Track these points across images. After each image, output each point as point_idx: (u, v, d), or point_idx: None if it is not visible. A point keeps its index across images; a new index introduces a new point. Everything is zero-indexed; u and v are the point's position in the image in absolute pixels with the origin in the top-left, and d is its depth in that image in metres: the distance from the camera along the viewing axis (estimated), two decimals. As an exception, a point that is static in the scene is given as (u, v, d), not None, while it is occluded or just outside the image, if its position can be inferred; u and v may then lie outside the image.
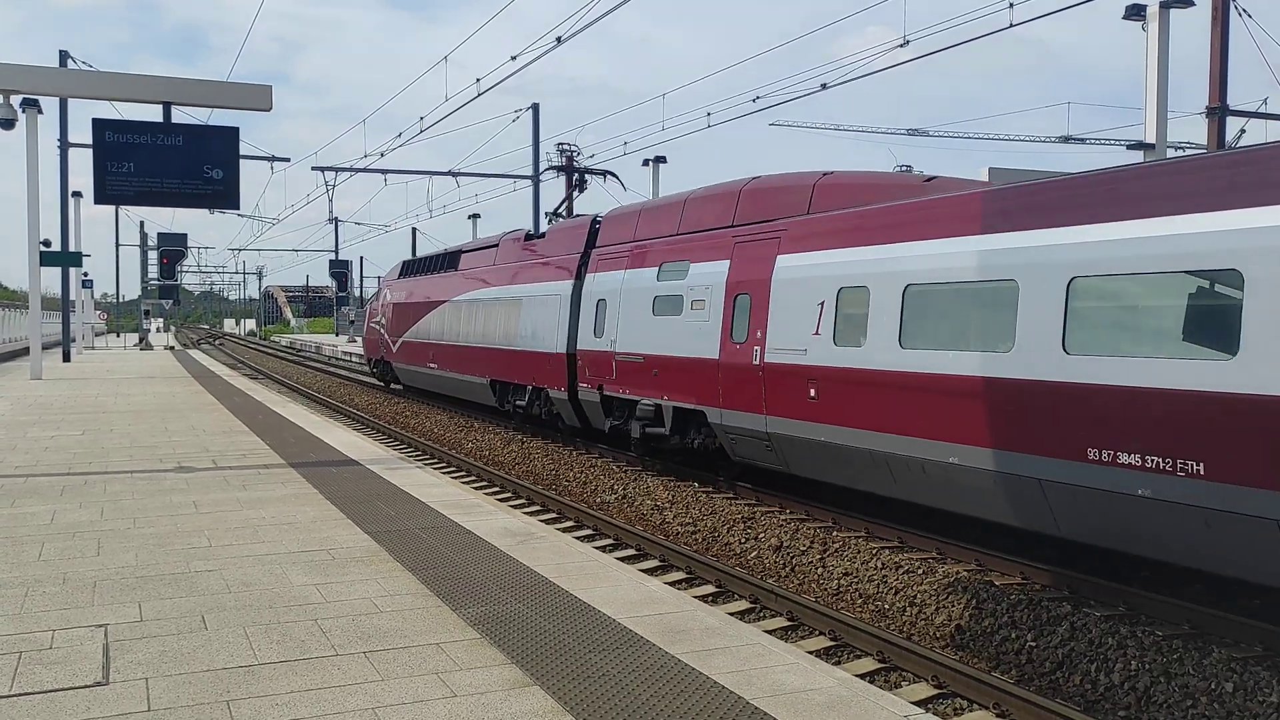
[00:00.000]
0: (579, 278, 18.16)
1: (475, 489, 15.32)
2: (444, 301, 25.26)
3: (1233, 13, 17.95)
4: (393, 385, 32.61)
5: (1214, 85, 18.33)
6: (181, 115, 12.71)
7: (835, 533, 11.56)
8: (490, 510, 9.24)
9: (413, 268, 29.80)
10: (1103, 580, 8.97)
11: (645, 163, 29.45)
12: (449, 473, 17.48)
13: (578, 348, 17.56)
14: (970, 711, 7.10)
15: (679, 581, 10.55)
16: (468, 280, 24.14)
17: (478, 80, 21.32)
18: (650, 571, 10.79)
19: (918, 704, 7.08)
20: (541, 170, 38.13)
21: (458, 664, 5.11)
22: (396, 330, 29.25)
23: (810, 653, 8.14)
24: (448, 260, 26.31)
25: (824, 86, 17.71)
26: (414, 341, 27.53)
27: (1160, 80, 15.05)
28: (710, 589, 10.25)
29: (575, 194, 25.11)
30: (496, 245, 23.16)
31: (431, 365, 25.82)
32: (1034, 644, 8.25)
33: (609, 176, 24.98)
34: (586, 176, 25.00)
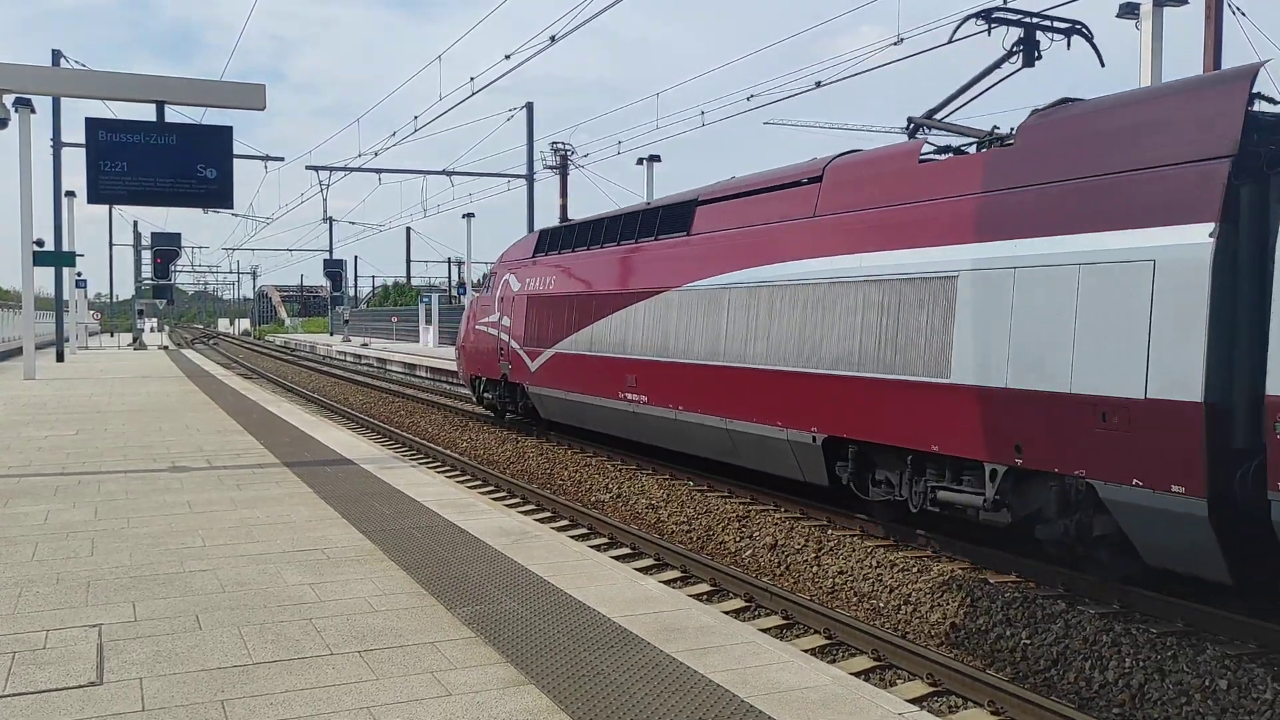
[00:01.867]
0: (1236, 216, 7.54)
1: (470, 488, 15.31)
2: (663, 290, 14.67)
3: (1226, 11, 17.99)
4: (515, 417, 21.65)
5: (1207, 84, 18.35)
6: (175, 115, 12.69)
7: (830, 531, 11.57)
8: (485, 509, 9.24)
9: (573, 238, 18.69)
10: (1096, 580, 8.97)
11: (639, 161, 29.45)
12: (443, 472, 17.46)
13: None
14: (965, 709, 7.11)
15: (674, 580, 10.55)
16: (731, 246, 13.40)
17: (471, 79, 21.34)
18: (645, 570, 10.79)
19: (912, 701, 7.08)
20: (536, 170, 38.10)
21: (453, 663, 5.11)
22: (538, 337, 18.83)
23: (805, 651, 8.14)
24: (663, 219, 15.38)
25: (818, 84, 17.73)
26: (584, 357, 17.04)
27: (1154, 78, 15.06)
28: (706, 587, 10.25)
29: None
30: (819, 176, 12.15)
31: (629, 397, 15.39)
32: (1028, 642, 8.27)
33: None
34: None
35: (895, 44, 15.25)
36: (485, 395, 22.54)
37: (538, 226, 34.09)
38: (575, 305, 17.45)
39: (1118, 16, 15.18)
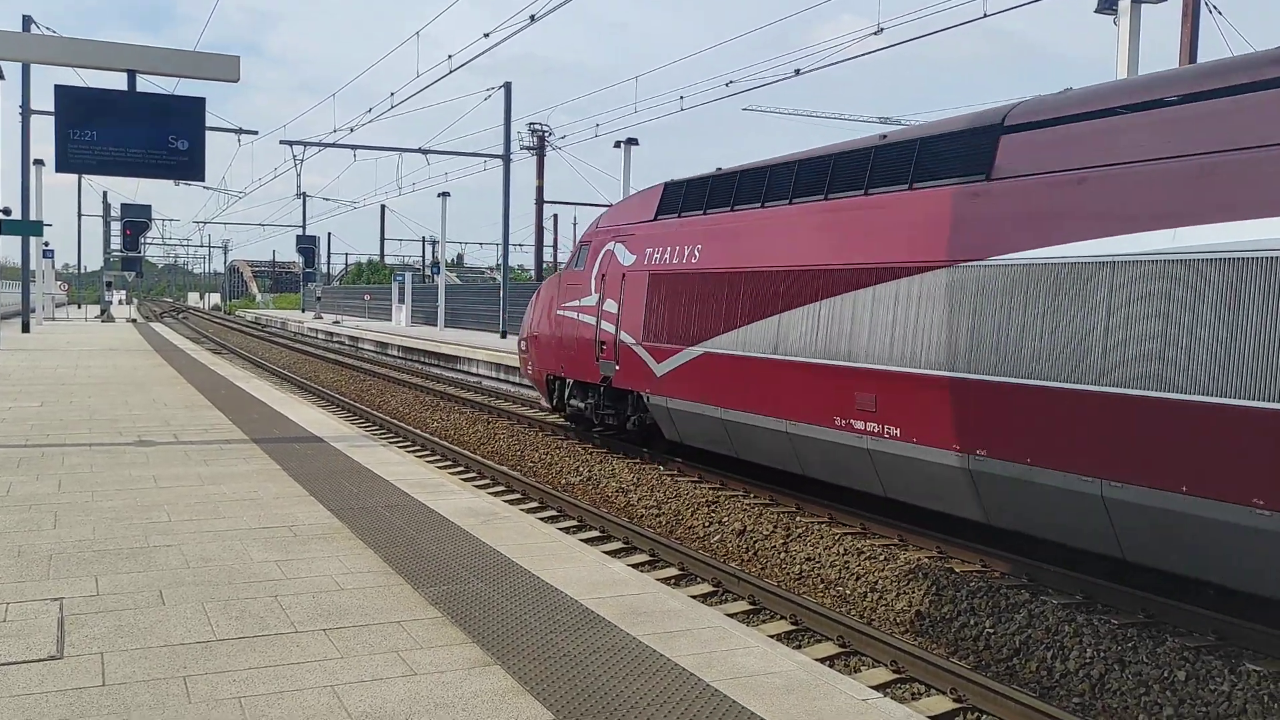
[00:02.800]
0: None
1: (440, 468, 15.26)
2: (939, 265, 9.55)
3: (1204, 10, 18.13)
4: (615, 433, 16.45)
5: (1182, 82, 18.51)
6: (147, 85, 12.51)
7: (798, 518, 11.62)
8: (454, 489, 9.21)
9: (729, 190, 13.21)
10: (1061, 569, 9.08)
11: (617, 144, 29.34)
12: (413, 451, 17.39)
13: None
14: (928, 696, 7.17)
15: (642, 564, 10.57)
16: (1112, 193, 8.12)
17: (449, 57, 21.15)
18: (614, 554, 10.80)
19: (876, 688, 7.13)
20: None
21: (418, 642, 5.09)
22: (669, 329, 13.61)
23: (771, 636, 8.18)
24: (922, 157, 10.25)
25: (798, 72, 17.70)
26: (761, 362, 11.84)
27: (1131, 74, 15.16)
28: (674, 571, 10.27)
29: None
30: None
31: (859, 426, 10.39)
32: (992, 630, 8.35)
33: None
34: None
35: (875, 34, 15.26)
36: (571, 402, 16.50)
37: (512, 206, 33.48)
38: (742, 286, 12.00)
39: (1096, 11, 15.27)
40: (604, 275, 15.29)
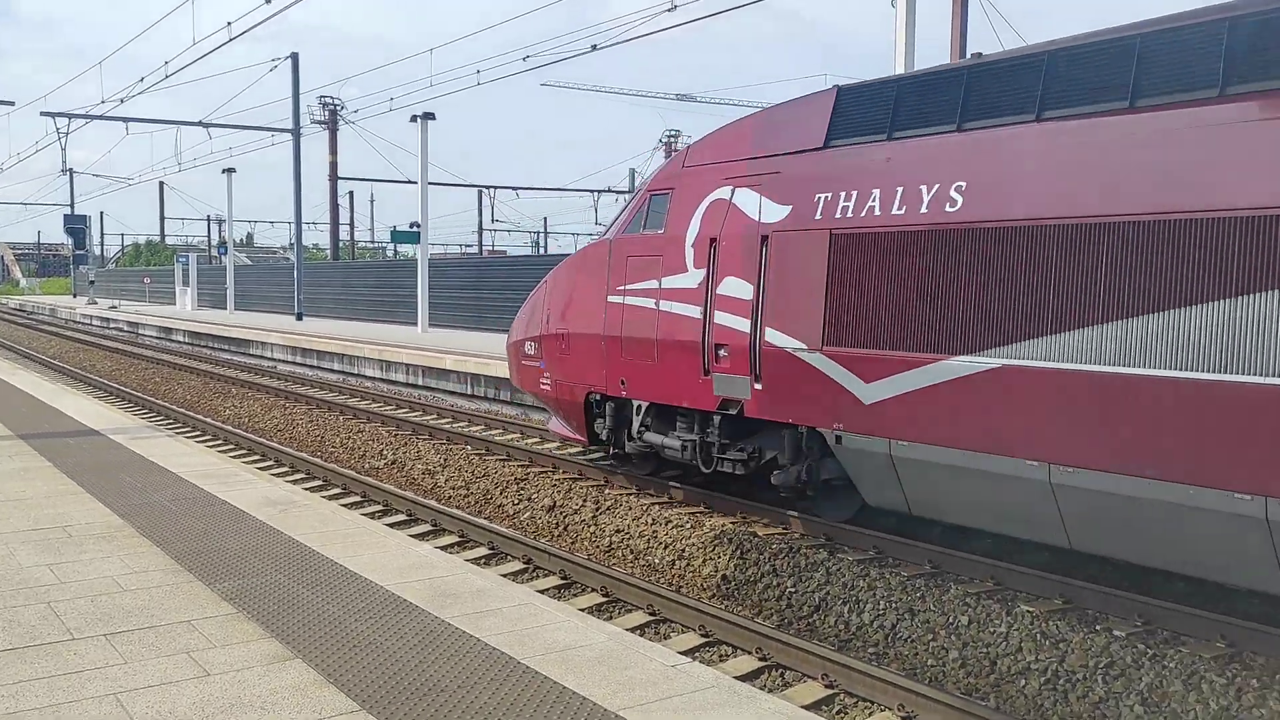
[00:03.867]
0: None
1: (233, 457, 14.53)
2: None
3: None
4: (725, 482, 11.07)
5: (956, 60, 19.68)
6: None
7: (607, 491, 11.72)
8: (249, 479, 8.78)
9: (1003, 91, 7.92)
10: (855, 528, 9.52)
11: (413, 119, 28.64)
12: (204, 441, 16.49)
13: None
14: (735, 657, 7.38)
15: (451, 546, 10.41)
16: None
17: (229, 24, 20.02)
18: (421, 536, 10.59)
19: (685, 653, 7.29)
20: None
21: (211, 641, 4.82)
22: (886, 328, 8.30)
23: (582, 610, 8.22)
24: None
25: (594, 48, 17.75)
26: (1159, 388, 6.60)
27: (908, 57, 15.94)
28: (484, 551, 10.17)
29: None
30: None
31: None
32: (793, 590, 8.67)
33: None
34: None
35: (669, 11, 15.47)
36: (646, 436, 10.97)
37: (306, 183, 32.22)
38: (1106, 249, 6.98)
39: (876, -5, 15.97)
40: (717, 239, 9.77)
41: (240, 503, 7.77)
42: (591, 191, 53.74)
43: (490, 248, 61.93)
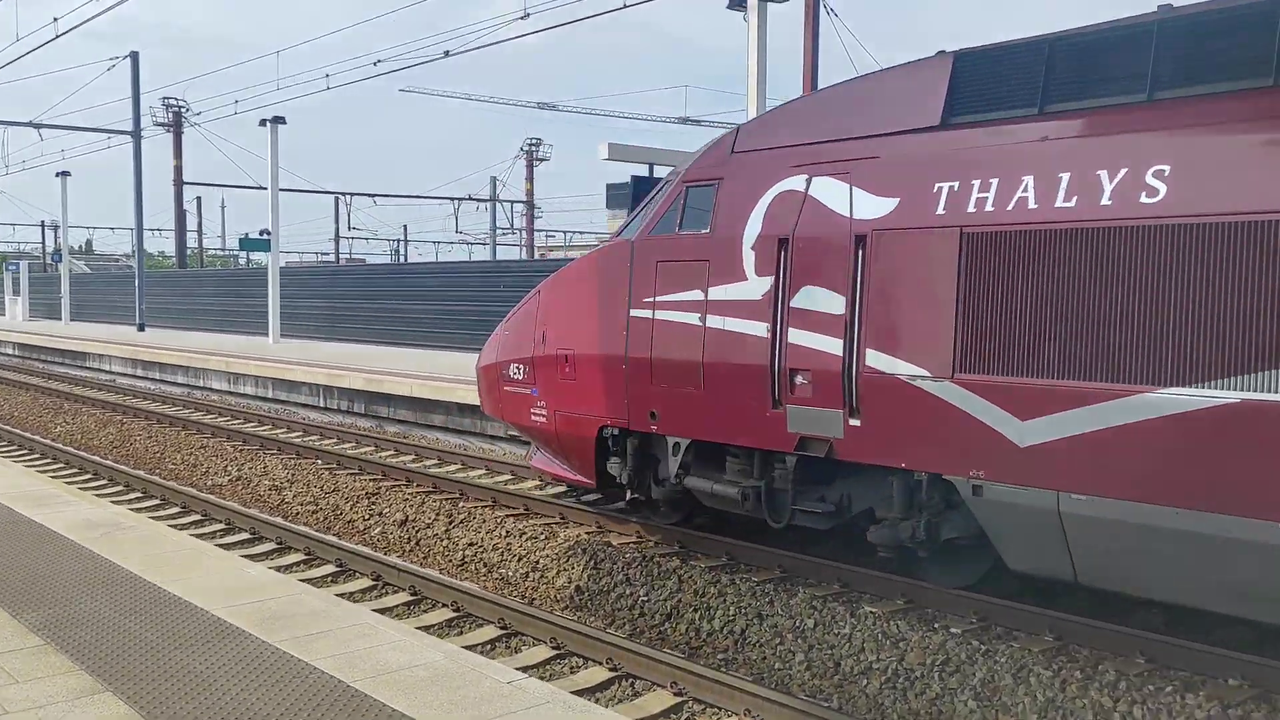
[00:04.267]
0: None
1: (56, 477, 13.71)
2: None
3: (823, 13, 19.81)
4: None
5: (807, 77, 20.16)
6: None
7: (462, 504, 11.52)
8: (69, 500, 8.27)
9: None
10: (708, 535, 9.59)
11: (262, 123, 27.69)
12: (22, 458, 15.52)
13: None
14: (586, 668, 7.32)
15: (297, 564, 10.03)
16: None
17: (55, 20, 18.97)
18: (264, 555, 10.18)
19: (527, 669, 7.20)
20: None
21: (13, 677, 4.48)
22: (1056, 353, 6.54)
23: (428, 626, 8.06)
24: None
25: (447, 54, 17.49)
26: None
27: (760, 69, 16.24)
28: (331, 569, 9.84)
29: None
30: None
31: None
32: (646, 598, 8.67)
33: None
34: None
35: (523, 18, 15.37)
36: (681, 477, 9.03)
37: (148, 188, 30.80)
38: None
39: (728, 8, 16.23)
40: (789, 240, 8.00)
41: (57, 526, 7.30)
42: (452, 199, 52.97)
43: (348, 256, 60.43)
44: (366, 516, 11.76)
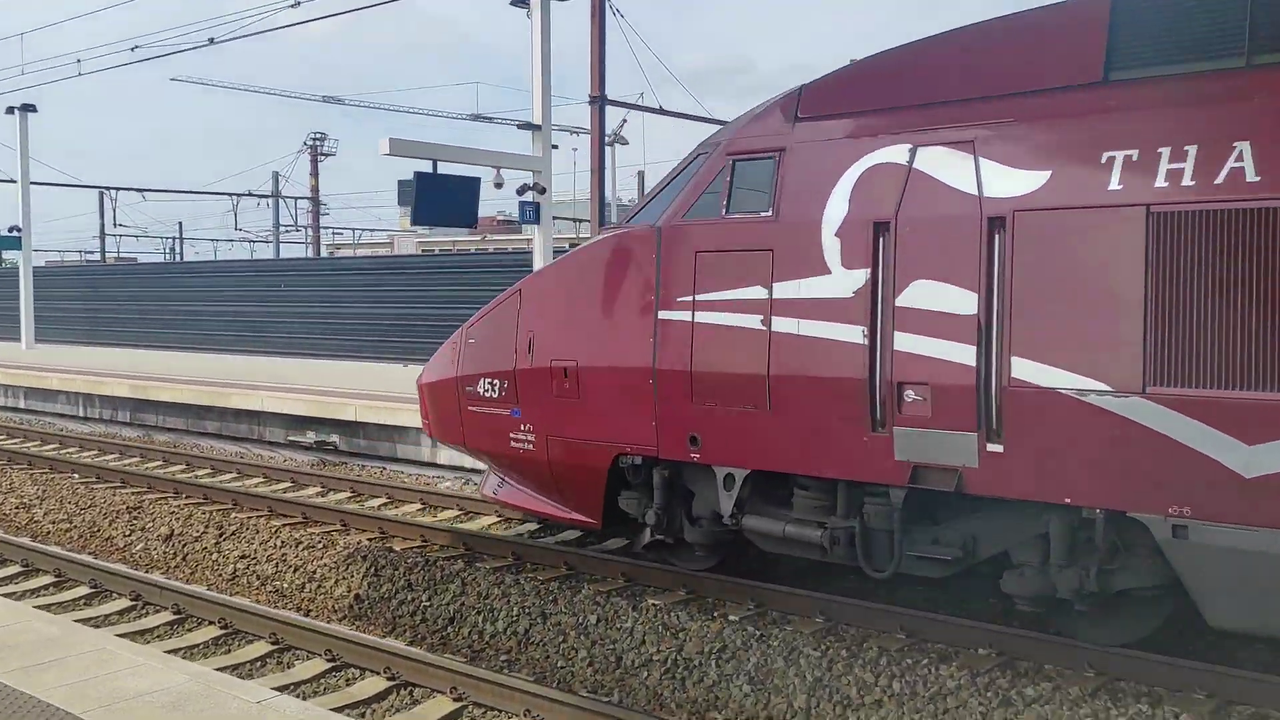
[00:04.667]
0: None
1: None
2: None
3: (609, 12, 19.96)
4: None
5: (594, 76, 20.26)
6: None
7: (234, 515, 10.92)
8: None
9: None
10: (493, 535, 9.46)
11: (10, 110, 25.43)
12: None
13: None
14: (362, 679, 7.05)
15: (45, 587, 9.23)
16: None
17: None
18: (7, 580, 9.33)
19: (308, 681, 6.90)
20: None
21: None
22: None
23: (192, 646, 7.60)
24: None
25: (211, 41, 16.58)
26: None
27: (544, 67, 16.21)
28: (84, 590, 9.10)
29: None
30: None
31: None
32: (428, 604, 8.46)
33: None
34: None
35: (293, 7, 14.73)
36: (747, 521, 7.42)
37: None
38: None
39: (511, 4, 16.08)
40: (890, 224, 6.54)
41: None
42: (231, 195, 50.26)
43: (116, 255, 56.42)
44: (128, 533, 10.99)
